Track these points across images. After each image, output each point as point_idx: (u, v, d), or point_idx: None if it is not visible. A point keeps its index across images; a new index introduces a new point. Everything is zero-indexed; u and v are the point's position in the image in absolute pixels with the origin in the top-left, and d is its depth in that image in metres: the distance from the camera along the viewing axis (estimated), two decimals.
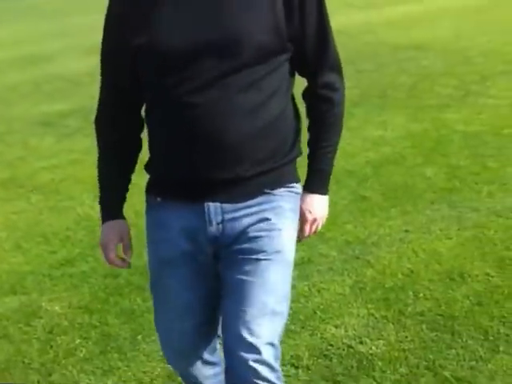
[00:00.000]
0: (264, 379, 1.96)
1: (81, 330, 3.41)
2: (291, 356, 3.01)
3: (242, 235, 2.00)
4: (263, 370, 1.95)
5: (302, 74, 2.12)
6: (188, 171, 1.98)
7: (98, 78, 2.12)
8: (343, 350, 3.04)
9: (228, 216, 2.00)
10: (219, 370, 2.31)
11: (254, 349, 1.94)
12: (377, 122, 6.65)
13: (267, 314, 1.98)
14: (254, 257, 1.99)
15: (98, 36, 2.12)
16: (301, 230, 2.17)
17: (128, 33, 1.98)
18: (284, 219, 2.05)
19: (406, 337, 3.10)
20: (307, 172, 2.18)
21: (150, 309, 3.47)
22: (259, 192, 2.02)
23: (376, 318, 3.27)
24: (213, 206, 1.99)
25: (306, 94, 2.14)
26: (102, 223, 2.20)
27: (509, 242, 3.95)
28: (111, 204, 2.20)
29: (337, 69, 2.12)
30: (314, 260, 3.92)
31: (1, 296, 3.86)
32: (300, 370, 2.92)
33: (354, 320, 3.27)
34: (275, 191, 2.04)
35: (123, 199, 2.22)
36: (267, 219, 2.01)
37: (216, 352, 2.29)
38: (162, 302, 2.18)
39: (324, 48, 2.07)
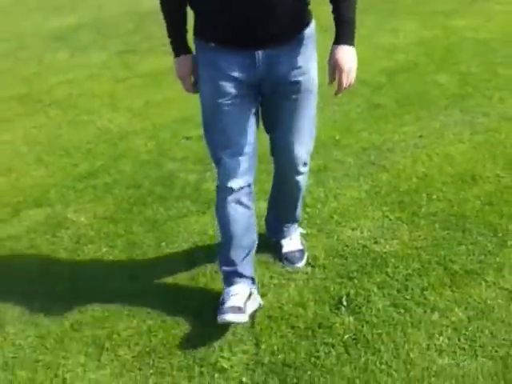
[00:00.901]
0: (300, 172, 2.83)
1: (107, 239, 3.48)
2: (308, 256, 3.10)
3: (284, 78, 2.53)
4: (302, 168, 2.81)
5: None
6: (240, 26, 2.38)
7: None
8: (358, 249, 3.14)
9: (273, 60, 2.47)
10: (252, 222, 2.75)
11: (298, 157, 2.75)
12: (387, 29, 6.60)
13: (310, 136, 2.74)
14: (294, 97, 2.59)
15: None
16: (338, 83, 2.47)
17: None
18: (312, 62, 2.59)
19: (419, 236, 3.20)
20: (335, 25, 2.47)
21: (172, 217, 3.62)
22: (293, 37, 2.48)
23: (391, 220, 3.37)
24: (262, 53, 2.45)
25: None
26: (175, 57, 2.67)
27: None
28: (180, 40, 2.64)
29: None
30: (330, 167, 4.00)
31: (26, 209, 3.90)
32: (316, 269, 3.02)
33: (369, 222, 3.37)
34: (304, 33, 2.51)
35: (186, 37, 2.64)
36: (301, 66, 2.53)
37: (252, 193, 2.71)
38: (217, 130, 2.58)
39: None
